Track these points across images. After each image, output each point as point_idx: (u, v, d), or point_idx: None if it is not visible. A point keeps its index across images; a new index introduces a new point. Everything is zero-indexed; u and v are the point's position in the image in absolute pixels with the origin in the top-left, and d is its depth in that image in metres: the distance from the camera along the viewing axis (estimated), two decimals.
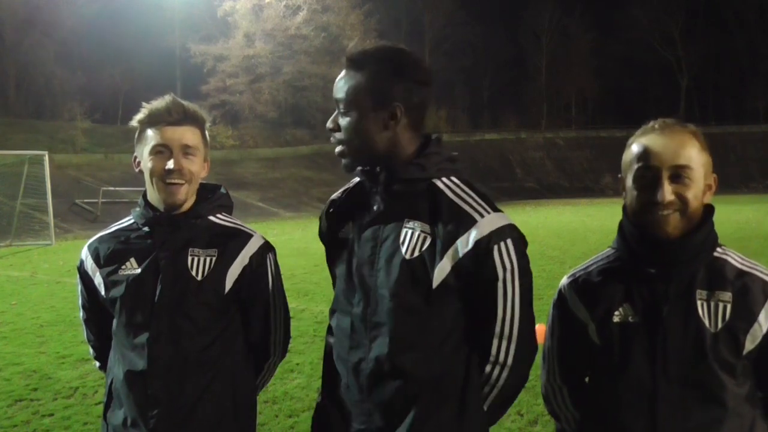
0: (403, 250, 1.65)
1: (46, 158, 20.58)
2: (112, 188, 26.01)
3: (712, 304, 1.57)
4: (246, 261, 1.98)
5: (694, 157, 1.57)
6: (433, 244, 1.64)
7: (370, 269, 1.69)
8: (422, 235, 1.65)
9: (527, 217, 26.40)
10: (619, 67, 60.50)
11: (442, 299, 1.65)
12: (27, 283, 11.31)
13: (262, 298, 2.02)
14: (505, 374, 1.69)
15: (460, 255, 1.61)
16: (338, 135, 1.68)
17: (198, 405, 1.88)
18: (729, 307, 1.56)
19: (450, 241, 1.62)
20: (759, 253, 11.30)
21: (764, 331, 1.56)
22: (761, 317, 1.56)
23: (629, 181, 1.62)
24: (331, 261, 1.85)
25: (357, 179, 1.81)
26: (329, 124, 1.71)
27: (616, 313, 1.63)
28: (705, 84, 60.79)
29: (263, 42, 42.72)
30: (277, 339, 2.06)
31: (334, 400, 1.78)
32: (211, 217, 2.01)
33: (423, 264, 1.63)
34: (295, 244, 16.60)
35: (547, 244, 15.44)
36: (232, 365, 1.96)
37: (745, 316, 1.56)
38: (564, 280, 1.78)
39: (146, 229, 1.95)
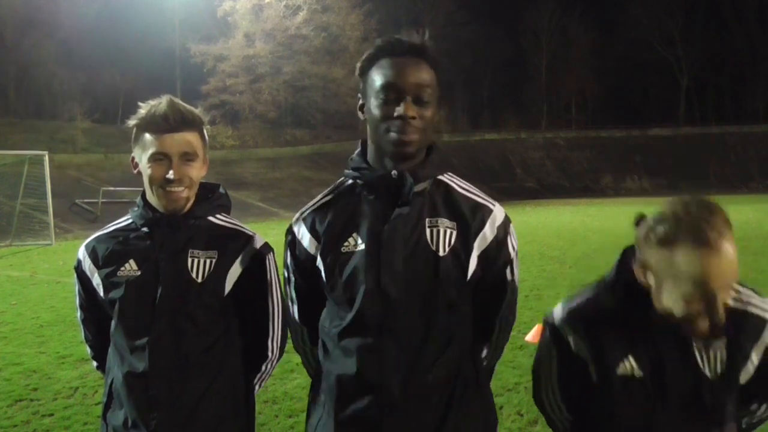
0: (434, 247, 1.65)
1: (46, 158, 20.59)
2: (112, 188, 25.98)
3: (711, 351, 1.60)
4: (246, 263, 1.96)
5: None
6: (460, 237, 1.67)
7: (402, 273, 1.62)
8: (448, 230, 1.67)
9: (527, 217, 26.39)
10: (619, 67, 60.43)
11: (469, 291, 1.71)
12: (27, 283, 11.30)
13: (261, 299, 2.01)
14: (499, 349, 1.84)
15: (487, 244, 1.69)
16: (417, 124, 1.63)
17: (199, 406, 1.88)
18: (725, 351, 1.61)
19: (476, 232, 1.68)
20: (759, 253, 11.24)
21: (756, 364, 1.64)
22: (753, 355, 1.64)
23: (674, 292, 1.50)
24: (332, 278, 1.70)
25: (327, 192, 1.79)
26: (411, 113, 1.61)
27: (621, 365, 1.61)
28: (705, 84, 60.70)
29: (263, 42, 42.72)
30: (276, 339, 2.05)
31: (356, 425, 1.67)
32: (211, 218, 2.00)
33: (457, 258, 1.66)
34: None
35: (547, 244, 15.44)
36: (232, 366, 1.96)
37: (741, 355, 1.62)
38: (558, 315, 1.70)
39: (145, 229, 1.93)
